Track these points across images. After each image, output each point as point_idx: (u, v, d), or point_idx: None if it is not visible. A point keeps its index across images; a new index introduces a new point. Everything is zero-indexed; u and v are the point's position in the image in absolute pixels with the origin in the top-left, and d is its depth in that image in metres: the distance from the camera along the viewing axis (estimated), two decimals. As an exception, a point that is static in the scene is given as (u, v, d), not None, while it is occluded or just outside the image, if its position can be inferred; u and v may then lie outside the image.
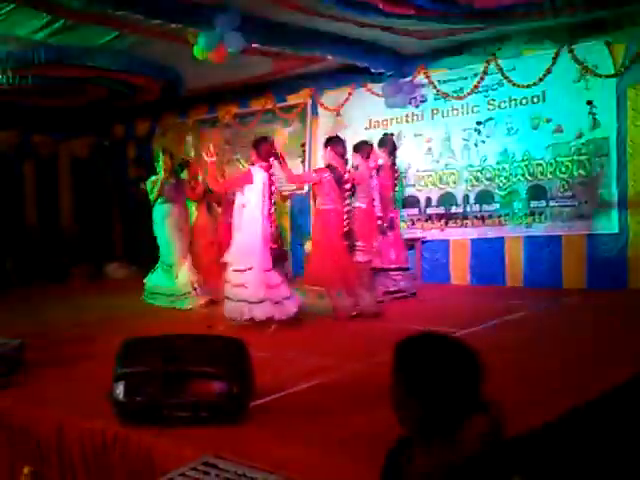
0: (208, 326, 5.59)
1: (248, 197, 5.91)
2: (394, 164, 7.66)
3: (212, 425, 2.97)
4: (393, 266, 7.44)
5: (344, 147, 6.59)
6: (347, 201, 6.41)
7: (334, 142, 6.52)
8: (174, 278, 7.49)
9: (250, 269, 5.78)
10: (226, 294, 5.94)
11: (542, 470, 2.69)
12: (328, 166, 6.41)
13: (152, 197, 7.56)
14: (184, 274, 7.50)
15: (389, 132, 8.39)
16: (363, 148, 6.93)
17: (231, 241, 6.08)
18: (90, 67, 8.04)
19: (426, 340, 1.75)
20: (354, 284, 6.32)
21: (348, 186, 6.42)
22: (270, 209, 5.99)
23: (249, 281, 5.77)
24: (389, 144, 7.67)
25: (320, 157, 6.98)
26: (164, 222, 7.59)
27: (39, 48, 7.41)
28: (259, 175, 5.93)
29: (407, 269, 7.68)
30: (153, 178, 7.64)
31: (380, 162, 7.36)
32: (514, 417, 2.83)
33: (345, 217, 6.36)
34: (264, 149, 6.02)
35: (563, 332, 5.27)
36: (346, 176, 6.43)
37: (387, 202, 7.34)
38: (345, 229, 6.35)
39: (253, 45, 7.03)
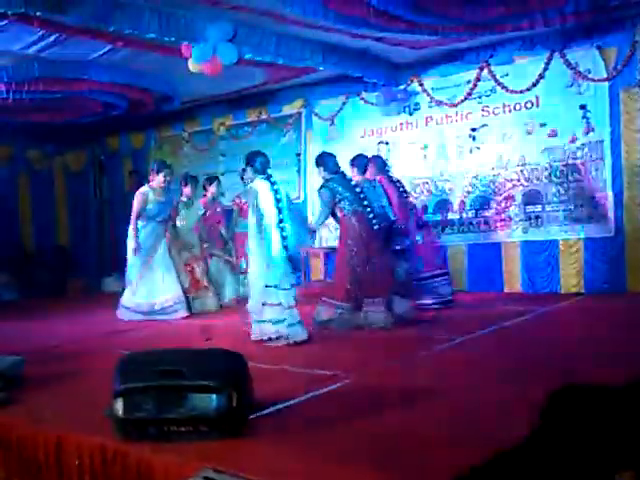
0: (206, 339, 5.56)
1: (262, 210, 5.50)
2: (390, 179, 7.16)
3: (212, 439, 2.96)
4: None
5: (336, 164, 6.34)
6: (366, 202, 6.14)
7: (325, 160, 6.33)
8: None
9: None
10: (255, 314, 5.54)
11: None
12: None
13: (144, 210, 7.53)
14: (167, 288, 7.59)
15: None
16: (360, 162, 6.78)
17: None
18: (84, 81, 8.05)
19: None
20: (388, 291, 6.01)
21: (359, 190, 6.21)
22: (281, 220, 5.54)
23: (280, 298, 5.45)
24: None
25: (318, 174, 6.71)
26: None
27: (32, 63, 7.43)
28: (263, 186, 5.57)
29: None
30: (148, 193, 7.55)
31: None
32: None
33: (372, 217, 6.11)
34: (260, 163, 5.68)
35: (560, 337, 5.27)
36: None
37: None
38: (376, 227, 6.10)
39: (246, 56, 7.06)
